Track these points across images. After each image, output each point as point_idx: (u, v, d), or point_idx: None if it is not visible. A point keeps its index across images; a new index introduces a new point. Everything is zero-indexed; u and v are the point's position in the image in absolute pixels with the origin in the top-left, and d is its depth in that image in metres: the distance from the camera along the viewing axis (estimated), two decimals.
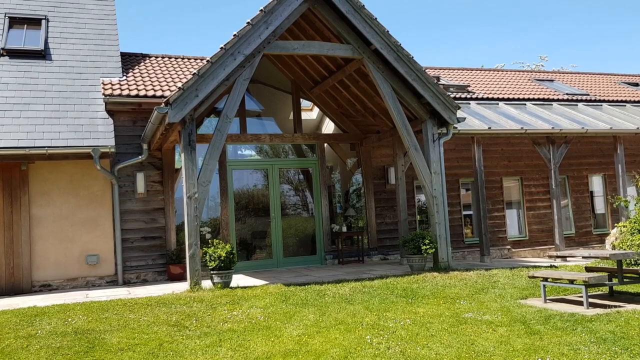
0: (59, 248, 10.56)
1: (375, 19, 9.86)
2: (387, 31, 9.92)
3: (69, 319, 6.81)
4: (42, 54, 11.79)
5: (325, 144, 13.02)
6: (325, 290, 8.23)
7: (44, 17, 12.63)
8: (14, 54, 11.61)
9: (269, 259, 12.21)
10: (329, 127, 13.63)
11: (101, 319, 6.78)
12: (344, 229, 12.83)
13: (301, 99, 13.06)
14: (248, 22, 9.11)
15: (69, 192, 10.72)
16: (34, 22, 12.50)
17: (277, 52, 9.99)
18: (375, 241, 13.12)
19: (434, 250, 10.12)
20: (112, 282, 10.81)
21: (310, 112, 13.74)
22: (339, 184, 13.71)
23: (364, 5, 9.76)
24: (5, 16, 12.35)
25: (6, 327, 6.50)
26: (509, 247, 14.29)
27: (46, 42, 12.09)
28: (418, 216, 13.67)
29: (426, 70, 10.73)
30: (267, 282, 9.40)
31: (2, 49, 11.56)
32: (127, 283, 10.86)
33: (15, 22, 12.38)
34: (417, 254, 10.16)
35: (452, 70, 17.76)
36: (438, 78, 15.78)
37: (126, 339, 5.94)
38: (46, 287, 10.41)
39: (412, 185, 13.51)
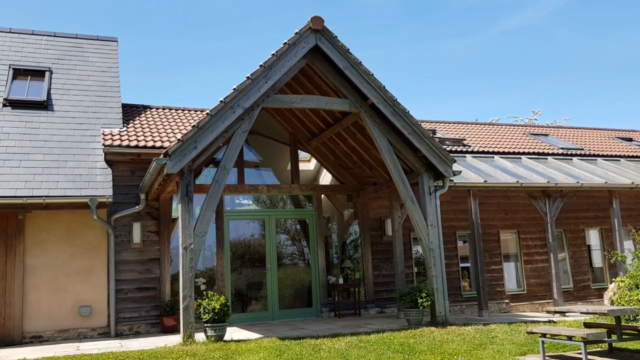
0: (51, 298, 10.43)
1: (372, 74, 10.11)
2: (384, 86, 10.16)
3: None
4: (44, 105, 12.00)
5: (323, 195, 13.08)
6: (320, 345, 8.09)
7: (47, 69, 12.91)
8: (17, 104, 11.80)
9: (264, 311, 12.05)
10: (326, 178, 13.73)
11: None
12: (341, 280, 12.72)
13: (299, 151, 13.20)
14: (248, 77, 9.32)
15: (65, 241, 10.68)
16: (37, 74, 12.77)
17: (275, 106, 10.18)
18: (372, 293, 12.98)
19: (430, 303, 10.01)
20: (105, 334, 10.62)
21: (307, 163, 13.87)
22: (336, 235, 13.69)
23: (361, 62, 10.02)
24: (9, 68, 12.62)
25: None
26: (507, 301, 14.14)
27: (49, 93, 12.31)
28: (415, 268, 13.58)
29: (422, 124, 10.93)
30: (261, 336, 9.25)
31: (5, 99, 11.76)
32: (119, 335, 10.67)
33: (19, 73, 12.64)
34: (414, 308, 10.04)
35: (447, 124, 18.04)
36: (434, 131, 16.02)
37: None
38: (37, 339, 10.21)
39: (409, 237, 13.49)
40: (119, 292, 10.86)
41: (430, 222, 10.45)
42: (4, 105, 11.71)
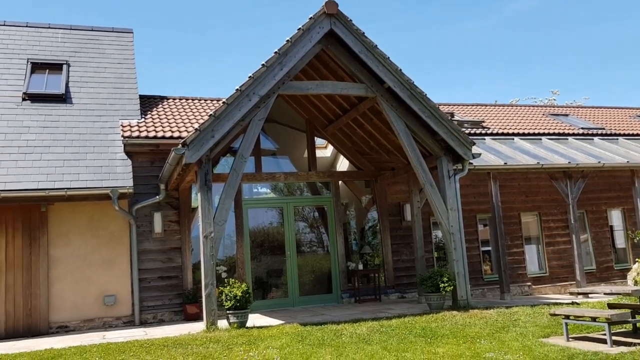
0: (76, 289, 10.60)
1: (388, 58, 10.01)
2: (400, 69, 10.06)
3: None
4: (63, 98, 12.11)
5: (340, 182, 13.06)
6: (342, 330, 8.12)
7: (65, 62, 13.01)
8: (36, 98, 11.93)
9: (285, 297, 12.12)
10: (343, 164, 13.69)
11: None
12: (360, 266, 12.73)
13: (315, 137, 13.17)
14: (263, 64, 9.30)
15: (88, 232, 10.83)
16: (55, 67, 12.88)
17: (291, 93, 10.15)
18: (392, 279, 12.98)
19: (452, 288, 9.97)
20: (129, 323, 10.78)
21: (324, 150, 13.84)
22: (354, 221, 13.68)
23: (376, 45, 9.92)
24: (27, 62, 12.75)
25: None
26: (529, 283, 14.03)
27: (67, 86, 12.42)
28: (435, 253, 13.53)
29: (440, 107, 10.81)
30: (283, 322, 9.31)
31: (24, 93, 11.89)
32: (143, 323, 10.82)
33: (37, 67, 12.76)
34: (435, 292, 10.01)
35: (466, 107, 17.84)
36: (452, 114, 15.85)
37: None
38: (63, 329, 10.41)
39: (429, 222, 13.43)
40: (142, 282, 11.00)
41: (450, 206, 10.38)
42: (24, 99, 11.84)
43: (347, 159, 13.40)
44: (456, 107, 17.55)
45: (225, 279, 9.68)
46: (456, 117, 15.81)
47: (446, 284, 9.89)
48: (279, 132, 13.11)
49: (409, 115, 10.40)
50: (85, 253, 10.76)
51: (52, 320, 10.37)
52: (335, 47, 10.05)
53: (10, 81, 12.19)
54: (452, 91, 54.35)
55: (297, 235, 12.51)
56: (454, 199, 10.48)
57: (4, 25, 13.64)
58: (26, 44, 13.33)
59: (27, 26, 13.79)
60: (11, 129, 11.08)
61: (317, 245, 12.99)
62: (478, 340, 7.26)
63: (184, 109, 13.46)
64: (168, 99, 14.06)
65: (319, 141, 13.42)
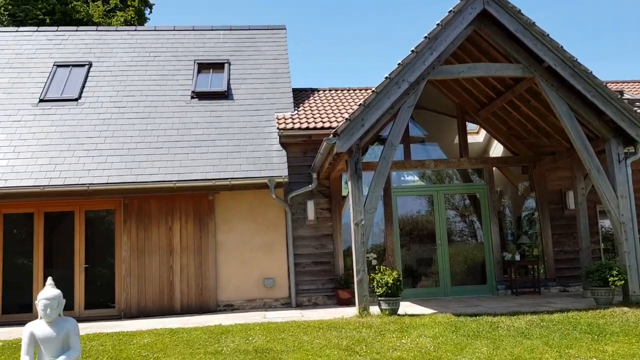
0: (239, 271, 11.46)
1: (547, 35, 9.34)
2: (561, 46, 9.33)
3: (250, 338, 7.32)
4: (225, 95, 13.09)
5: (494, 168, 12.50)
6: (498, 323, 7.81)
7: (226, 61, 14.04)
8: (202, 95, 13.04)
9: (436, 287, 11.95)
10: (497, 149, 13.08)
11: (278, 340, 7.18)
12: (517, 257, 12.10)
13: (467, 122, 12.75)
14: (412, 50, 9.19)
15: (248, 219, 11.63)
16: (218, 66, 13.95)
17: (441, 77, 9.94)
18: (553, 271, 12.16)
19: (623, 282, 9.10)
20: (286, 304, 11.41)
21: (476, 135, 13.33)
22: (509, 210, 13.03)
23: (534, 22, 9.31)
24: (194, 62, 13.97)
25: (197, 343, 7.19)
26: None
27: (228, 84, 13.40)
28: (602, 244, 12.41)
29: (607, 85, 9.85)
30: (435, 311, 9.20)
31: (193, 92, 13.06)
32: (299, 306, 11.38)
33: (202, 67, 13.93)
34: (602, 286, 9.21)
35: (636, 83, 16.03)
36: (621, 92, 14.32)
37: None
38: (229, 307, 11.32)
39: (595, 210, 12.34)
40: (297, 266, 11.56)
41: (620, 193, 9.46)
42: (192, 97, 13.01)
43: (502, 143, 12.78)
44: (625, 84, 15.84)
45: (376, 266, 9.81)
46: (626, 96, 14.25)
47: (616, 278, 9.07)
48: (427, 119, 12.90)
49: (572, 95, 9.63)
50: (247, 238, 11.57)
51: (220, 299, 11.32)
52: (488, 27, 9.62)
53: (180, 81, 13.46)
54: (618, 67, 48.99)
55: (447, 224, 12.25)
56: (625, 186, 9.52)
57: (173, 30, 15.08)
58: (193, 46, 14.60)
59: (192, 29, 15.11)
60: (182, 125, 12.25)
61: (469, 234, 12.60)
62: None
63: (334, 99, 13.82)
64: (318, 91, 14.53)
65: (470, 126, 12.96)
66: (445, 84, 12.42)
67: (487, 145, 13.30)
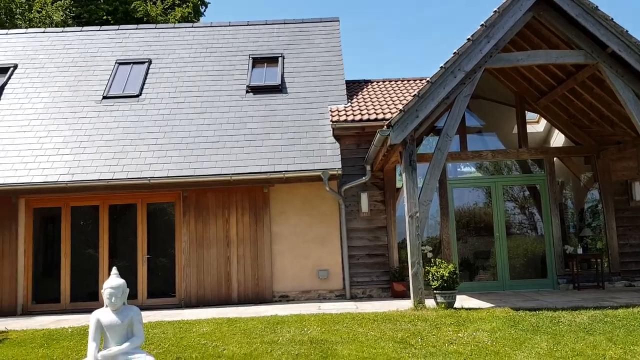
0: (294, 262, 11.60)
1: (612, 19, 8.93)
2: (626, 31, 8.90)
3: (305, 329, 7.41)
4: (279, 88, 13.22)
5: (555, 158, 12.08)
6: (559, 317, 7.58)
7: (280, 55, 14.16)
8: (257, 90, 13.22)
9: (493, 280, 11.70)
10: (558, 139, 12.63)
11: (333, 331, 7.24)
12: (579, 250, 11.67)
13: (526, 111, 12.36)
14: (468, 39, 9.00)
15: (302, 211, 11.73)
16: (272, 61, 14.10)
17: (499, 66, 9.67)
18: (618, 265, 11.67)
19: None
20: (341, 296, 11.47)
21: (536, 125, 12.91)
22: (571, 201, 12.57)
23: (597, 7, 8.91)
24: (249, 57, 14.17)
25: (254, 333, 7.35)
26: None
27: (282, 77, 13.52)
28: None
29: None
30: (492, 305, 9.02)
31: (248, 86, 13.26)
32: (353, 297, 11.42)
33: (257, 62, 14.11)
34: None
35: None
36: None
37: (356, 352, 6.25)
38: (284, 298, 11.49)
39: None
40: (351, 258, 11.58)
41: None
42: (247, 92, 13.21)
43: (563, 133, 12.33)
44: None
45: (431, 259, 9.71)
46: None
47: None
48: (484, 108, 12.60)
49: (639, 82, 9.17)
50: (301, 230, 11.69)
51: (275, 290, 11.50)
52: (548, 13, 9.28)
53: (235, 76, 13.69)
54: None
55: (505, 216, 11.95)
56: None
57: (228, 25, 15.34)
58: (247, 40, 14.81)
59: (247, 25, 15.32)
60: (238, 119, 12.47)
61: (528, 227, 12.26)
62: None
63: (387, 90, 13.70)
64: (372, 82, 14.44)
65: (529, 115, 12.56)
66: (503, 72, 12.08)
67: (547, 135, 12.86)
